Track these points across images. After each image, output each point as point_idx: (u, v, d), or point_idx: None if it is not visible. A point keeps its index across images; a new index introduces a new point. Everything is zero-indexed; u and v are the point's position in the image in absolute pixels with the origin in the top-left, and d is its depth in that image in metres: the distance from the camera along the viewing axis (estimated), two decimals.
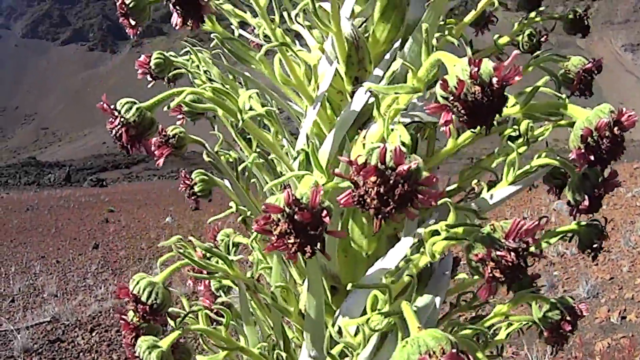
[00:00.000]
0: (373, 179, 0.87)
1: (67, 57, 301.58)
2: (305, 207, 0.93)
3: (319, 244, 0.96)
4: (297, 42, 1.92)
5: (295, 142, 1.73)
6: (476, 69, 0.92)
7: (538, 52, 1.88)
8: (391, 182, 0.87)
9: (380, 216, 0.90)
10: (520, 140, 1.53)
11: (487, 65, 0.93)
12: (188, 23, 1.27)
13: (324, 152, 1.55)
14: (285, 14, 2.02)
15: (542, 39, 2.09)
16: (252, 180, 2.01)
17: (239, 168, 1.97)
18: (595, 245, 1.69)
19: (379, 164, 0.87)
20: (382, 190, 0.88)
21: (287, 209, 0.93)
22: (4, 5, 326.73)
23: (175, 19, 1.25)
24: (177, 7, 1.23)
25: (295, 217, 0.93)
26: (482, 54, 1.99)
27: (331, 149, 1.54)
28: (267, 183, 1.92)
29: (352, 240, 1.63)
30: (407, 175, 0.87)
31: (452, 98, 0.94)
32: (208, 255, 1.62)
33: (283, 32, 1.74)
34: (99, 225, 23.73)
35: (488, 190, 1.55)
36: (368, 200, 0.89)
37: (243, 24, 2.02)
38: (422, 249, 1.24)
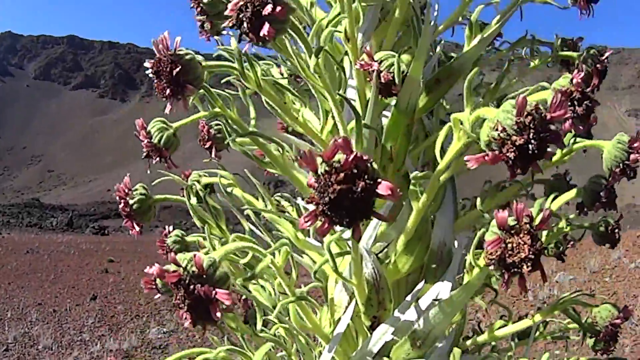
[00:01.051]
0: None
1: (78, 102, 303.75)
2: None
3: None
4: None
5: None
6: None
7: (563, 297, 1.91)
8: None
9: None
10: None
11: None
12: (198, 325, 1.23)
13: None
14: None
15: (569, 246, 2.13)
16: None
17: None
18: None
19: None
20: None
21: None
22: (19, 45, 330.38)
23: (186, 320, 1.20)
24: (190, 311, 1.20)
25: None
26: None
27: None
28: None
29: None
30: None
31: None
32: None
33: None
34: (98, 275, 23.57)
35: None
36: None
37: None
38: None
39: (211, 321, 1.20)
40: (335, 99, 1.66)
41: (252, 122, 1.83)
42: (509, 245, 1.18)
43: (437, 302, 1.55)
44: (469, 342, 1.88)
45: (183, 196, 2.10)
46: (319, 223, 0.99)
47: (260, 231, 2.00)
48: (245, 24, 1.31)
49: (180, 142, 1.86)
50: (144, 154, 1.79)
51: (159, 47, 1.49)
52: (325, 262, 1.45)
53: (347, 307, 1.64)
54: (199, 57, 1.59)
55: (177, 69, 1.47)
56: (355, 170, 0.96)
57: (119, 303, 17.55)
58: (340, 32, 1.66)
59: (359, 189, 0.95)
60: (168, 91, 1.50)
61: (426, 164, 2.01)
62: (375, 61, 1.55)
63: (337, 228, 0.98)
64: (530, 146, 1.09)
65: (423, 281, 1.65)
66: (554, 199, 1.88)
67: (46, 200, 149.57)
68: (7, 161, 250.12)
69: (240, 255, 1.54)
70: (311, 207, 1.00)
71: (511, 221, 1.22)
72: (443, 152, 1.45)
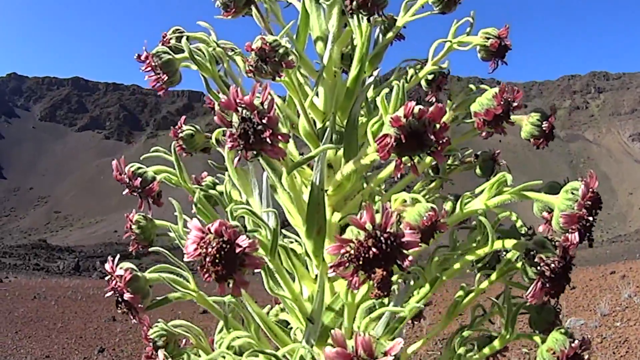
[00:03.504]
0: None
1: (83, 143, 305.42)
2: None
3: None
4: None
5: None
6: None
7: None
8: None
9: None
10: None
11: None
12: None
13: None
14: None
15: None
16: None
17: None
18: None
19: None
20: None
21: None
22: (24, 87, 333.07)
23: None
24: None
25: None
26: None
27: None
28: None
29: None
30: None
31: None
32: None
33: None
34: (105, 323, 23.35)
35: None
36: None
37: None
38: None
39: None
40: None
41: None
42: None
43: None
44: None
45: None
46: None
47: None
48: None
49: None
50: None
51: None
52: None
53: None
54: None
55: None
56: None
57: (126, 357, 17.30)
58: None
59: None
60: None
61: None
62: None
63: None
64: None
65: None
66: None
67: (53, 241, 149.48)
68: (14, 202, 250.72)
69: None
70: None
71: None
72: None
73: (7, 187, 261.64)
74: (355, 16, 2.00)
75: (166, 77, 2.11)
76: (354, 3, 1.85)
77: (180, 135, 2.53)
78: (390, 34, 2.43)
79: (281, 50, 1.93)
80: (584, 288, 21.81)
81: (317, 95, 2.32)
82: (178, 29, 2.35)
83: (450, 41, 2.36)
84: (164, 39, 2.34)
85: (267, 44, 1.90)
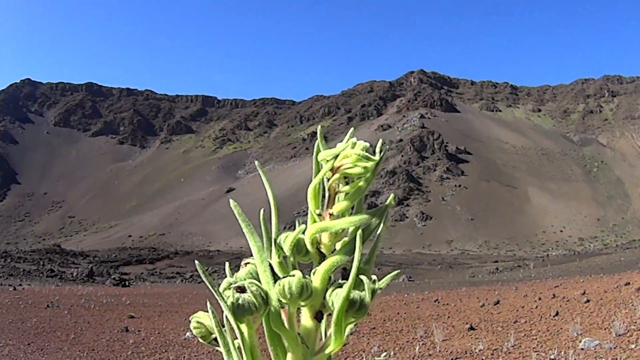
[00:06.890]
0: None
1: (97, 148, 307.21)
2: None
3: None
4: None
5: None
6: None
7: None
8: None
9: None
10: None
11: None
12: None
13: None
14: None
15: None
16: None
17: None
18: None
19: None
20: None
21: None
22: (38, 92, 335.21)
23: None
24: None
25: None
26: None
27: None
28: None
29: None
30: None
31: None
32: None
33: None
34: (118, 334, 23.16)
35: None
36: None
37: None
38: None
39: None
40: None
41: None
42: None
43: None
44: None
45: None
46: None
47: None
48: None
49: None
50: None
51: None
52: None
53: None
54: None
55: None
56: None
57: None
58: None
59: None
60: None
61: None
62: None
63: None
64: None
65: None
66: None
67: (67, 246, 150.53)
68: (28, 207, 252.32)
69: None
70: None
71: None
72: None
73: (21, 192, 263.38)
74: None
75: None
76: None
77: None
78: None
79: None
80: (598, 302, 21.43)
81: None
82: None
83: None
84: None
85: None
